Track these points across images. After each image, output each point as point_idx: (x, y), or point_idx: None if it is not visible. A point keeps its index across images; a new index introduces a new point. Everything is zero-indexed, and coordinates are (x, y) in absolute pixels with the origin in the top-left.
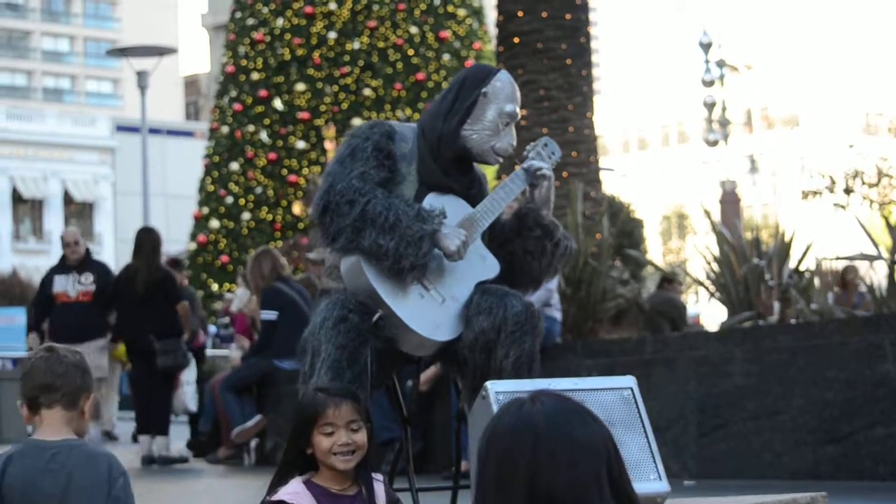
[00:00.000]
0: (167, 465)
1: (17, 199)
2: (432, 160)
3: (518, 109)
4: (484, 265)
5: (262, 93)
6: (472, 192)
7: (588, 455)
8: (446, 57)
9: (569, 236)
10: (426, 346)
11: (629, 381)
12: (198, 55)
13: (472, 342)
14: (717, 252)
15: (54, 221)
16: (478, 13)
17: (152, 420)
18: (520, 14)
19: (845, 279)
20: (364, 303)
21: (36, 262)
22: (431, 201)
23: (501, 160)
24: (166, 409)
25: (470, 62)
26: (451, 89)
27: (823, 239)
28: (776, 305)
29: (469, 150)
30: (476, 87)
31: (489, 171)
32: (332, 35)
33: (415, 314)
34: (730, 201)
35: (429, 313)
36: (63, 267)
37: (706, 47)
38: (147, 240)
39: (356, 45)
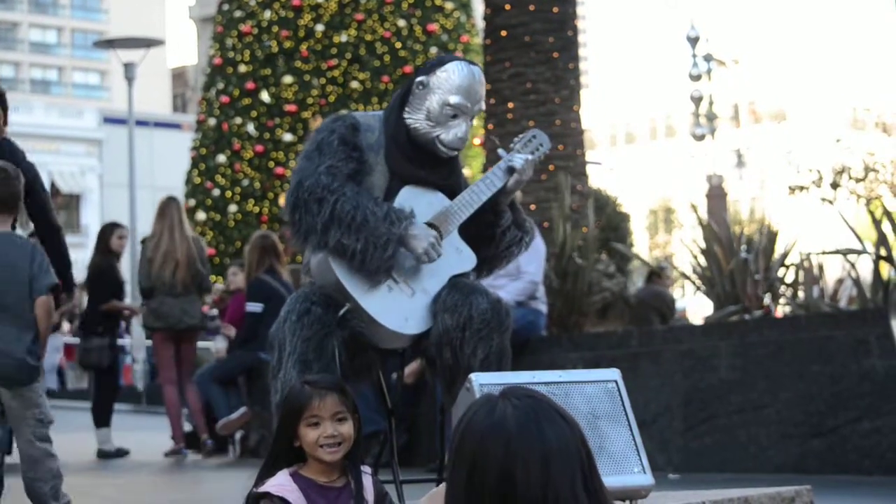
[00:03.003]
0: (105, 458)
1: None
2: (396, 149)
3: (469, 103)
4: (459, 258)
5: (250, 85)
6: (449, 181)
7: (561, 456)
8: (434, 50)
9: (526, 228)
10: (395, 339)
11: (614, 373)
12: (185, 47)
13: (438, 340)
14: (703, 246)
15: None
16: (465, 6)
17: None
18: (507, 7)
19: None
20: (330, 295)
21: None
22: (406, 196)
23: (454, 152)
24: (101, 402)
25: (458, 55)
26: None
27: (810, 233)
28: (768, 299)
29: (416, 139)
30: (416, 77)
31: (476, 166)
32: (320, 28)
33: (383, 308)
34: (716, 195)
35: (397, 306)
36: None
37: (693, 41)
38: (99, 233)
39: (344, 38)
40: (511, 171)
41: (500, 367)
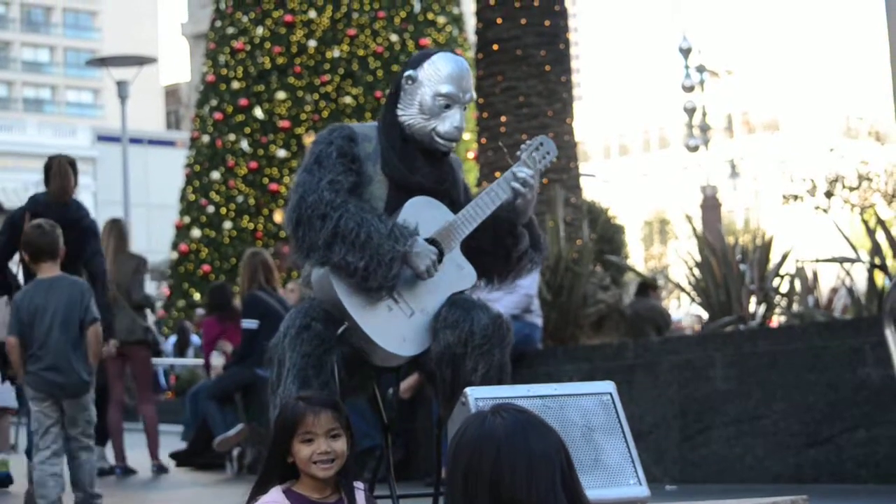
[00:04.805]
0: (99, 476)
1: None
2: (395, 156)
3: (460, 91)
4: (460, 275)
5: (243, 101)
6: (444, 185)
7: (544, 463)
8: None
9: (541, 247)
10: (392, 358)
11: (608, 386)
12: (178, 64)
13: (440, 356)
14: (698, 257)
15: None
16: (457, 20)
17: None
18: (499, 21)
19: None
20: (330, 311)
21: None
22: (410, 211)
23: (453, 144)
24: (101, 420)
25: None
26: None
27: (804, 243)
28: (761, 309)
29: (412, 136)
30: (405, 71)
31: (470, 179)
32: (312, 43)
33: (381, 328)
34: (711, 206)
35: (395, 327)
36: None
37: (686, 53)
38: None
39: (336, 54)
40: (518, 184)
41: (500, 382)
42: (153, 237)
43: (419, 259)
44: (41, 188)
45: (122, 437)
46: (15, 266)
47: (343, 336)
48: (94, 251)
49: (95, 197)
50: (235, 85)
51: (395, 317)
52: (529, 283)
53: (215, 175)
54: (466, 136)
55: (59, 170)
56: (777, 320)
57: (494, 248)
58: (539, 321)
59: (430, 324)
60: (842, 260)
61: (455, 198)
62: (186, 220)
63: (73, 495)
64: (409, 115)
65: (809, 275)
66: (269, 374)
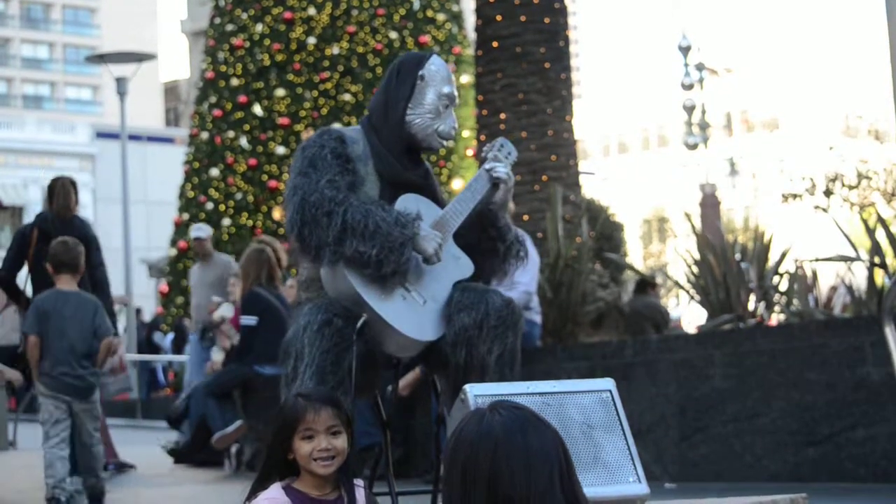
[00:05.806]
0: None
1: None
2: (387, 152)
3: (455, 91)
4: (458, 265)
5: (242, 98)
6: (428, 182)
7: (542, 460)
8: None
9: (523, 242)
10: (410, 346)
11: (608, 383)
12: (177, 61)
13: (455, 338)
14: (697, 255)
15: None
16: (457, 18)
17: None
18: (498, 18)
19: None
20: (348, 307)
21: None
22: (404, 204)
23: (445, 144)
24: None
25: (451, 67)
26: (388, 81)
27: (804, 241)
28: (762, 307)
29: (413, 135)
30: (412, 72)
31: (469, 177)
32: (312, 40)
33: (400, 316)
34: (710, 204)
35: (412, 314)
36: None
37: (685, 51)
38: None
39: (336, 51)
40: (494, 180)
41: (512, 367)
42: (152, 234)
43: (426, 242)
44: (40, 186)
45: (108, 433)
46: (22, 277)
47: (361, 332)
48: (98, 262)
49: (94, 194)
50: (234, 82)
51: (411, 305)
52: (528, 281)
53: (214, 172)
54: (466, 133)
55: (62, 190)
56: (776, 319)
57: (481, 243)
58: (538, 318)
59: (442, 311)
60: (841, 258)
61: (435, 192)
62: (185, 216)
63: (83, 478)
64: (417, 114)
65: (809, 273)
66: (284, 368)
